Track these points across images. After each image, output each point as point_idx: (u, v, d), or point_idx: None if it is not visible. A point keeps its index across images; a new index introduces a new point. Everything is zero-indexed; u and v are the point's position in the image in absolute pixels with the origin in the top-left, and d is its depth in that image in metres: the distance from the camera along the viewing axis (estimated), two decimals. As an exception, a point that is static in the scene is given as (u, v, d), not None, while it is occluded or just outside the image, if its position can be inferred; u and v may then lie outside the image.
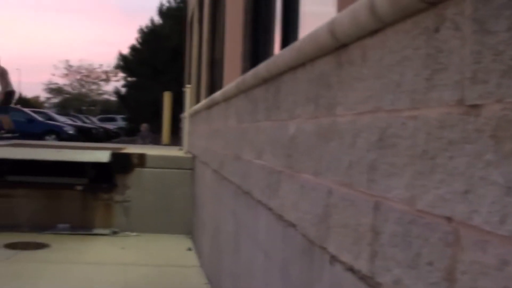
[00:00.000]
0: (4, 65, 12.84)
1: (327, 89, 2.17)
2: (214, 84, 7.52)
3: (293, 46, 2.61)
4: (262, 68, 3.25)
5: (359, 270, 1.80)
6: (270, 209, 3.11)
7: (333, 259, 2.05)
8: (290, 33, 3.77)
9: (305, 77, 2.49)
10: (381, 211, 1.64)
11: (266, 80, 3.28)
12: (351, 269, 1.88)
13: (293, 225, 2.64)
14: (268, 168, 3.16)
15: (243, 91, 4.04)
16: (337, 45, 2.02)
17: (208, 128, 6.84)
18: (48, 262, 7.43)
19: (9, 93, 13.31)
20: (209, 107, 6.66)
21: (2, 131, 12.74)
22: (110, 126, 36.13)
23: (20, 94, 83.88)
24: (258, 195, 3.46)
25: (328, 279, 2.13)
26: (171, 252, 8.29)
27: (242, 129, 4.09)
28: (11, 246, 8.33)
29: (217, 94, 5.70)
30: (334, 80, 2.10)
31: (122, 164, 9.67)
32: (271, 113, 3.15)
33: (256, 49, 4.56)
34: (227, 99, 4.94)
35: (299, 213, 2.53)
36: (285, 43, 3.55)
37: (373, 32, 1.72)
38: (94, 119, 41.45)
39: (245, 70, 4.48)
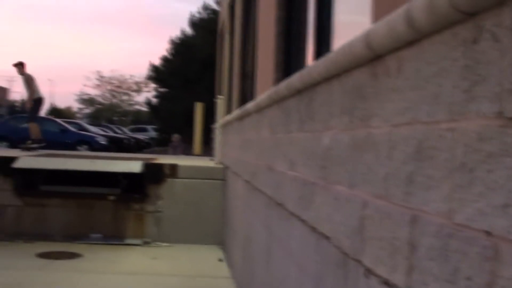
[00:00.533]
0: (35, 74, 12.93)
1: (363, 100, 2.16)
2: (246, 95, 7.54)
3: (327, 57, 2.60)
4: (296, 79, 3.25)
5: (395, 284, 1.78)
6: (303, 220, 3.10)
7: (368, 272, 2.03)
8: (323, 43, 3.76)
9: (340, 88, 2.48)
10: (418, 224, 1.62)
11: (299, 91, 3.28)
12: (386, 283, 1.86)
13: (327, 237, 2.63)
14: (301, 179, 3.15)
15: (276, 101, 4.03)
16: (373, 56, 2.01)
17: (240, 139, 6.85)
18: (81, 272, 7.50)
19: (38, 100, 13.06)
20: (241, 117, 6.67)
21: (29, 141, 12.61)
22: (141, 136, 36.38)
23: (53, 105, 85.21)
24: (290, 207, 3.45)
25: (363, 292, 2.11)
26: (202, 263, 8.30)
27: (275, 140, 4.08)
28: (45, 255, 8.44)
29: (250, 105, 5.70)
30: (370, 91, 2.09)
31: (154, 175, 9.72)
32: (304, 124, 3.14)
33: (289, 60, 4.56)
34: (259, 110, 4.94)
35: (333, 225, 2.51)
36: (318, 54, 3.55)
37: (409, 43, 1.71)
38: (126, 130, 41.81)
39: (277, 81, 4.48)
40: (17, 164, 9.83)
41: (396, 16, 1.70)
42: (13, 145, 22.07)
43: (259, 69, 5.89)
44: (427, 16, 1.49)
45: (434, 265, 1.51)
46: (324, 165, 2.66)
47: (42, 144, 13.44)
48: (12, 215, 9.92)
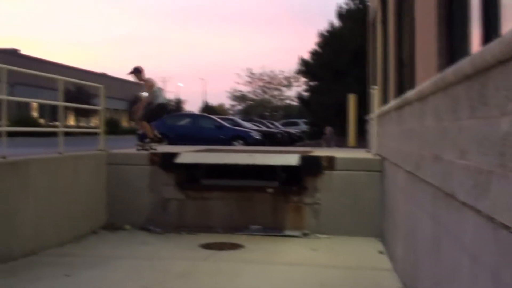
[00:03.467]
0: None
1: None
2: (403, 83, 7.37)
3: (503, 39, 2.47)
4: (466, 64, 3.12)
5: None
6: (477, 211, 2.97)
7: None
8: (490, 27, 3.58)
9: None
10: None
11: (468, 77, 3.15)
12: None
13: (506, 227, 2.50)
14: (474, 168, 3.03)
15: (441, 88, 3.90)
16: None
17: (399, 129, 6.71)
18: (244, 262, 7.73)
19: (161, 106, 12.40)
20: (399, 107, 6.53)
21: (147, 140, 12.15)
22: (292, 130, 36.72)
23: (207, 103, 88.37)
24: (462, 197, 3.33)
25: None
26: (362, 255, 8.25)
27: (441, 128, 3.95)
28: (208, 246, 8.78)
29: (410, 94, 5.57)
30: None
31: (312, 167, 9.79)
32: (476, 111, 3.01)
33: (452, 45, 4.39)
34: (422, 98, 4.80)
35: (515, 215, 2.39)
36: (486, 38, 3.38)
37: None
38: (277, 124, 42.40)
39: (441, 67, 4.32)
40: (179, 160, 10.30)
41: None
42: (171, 142, 23.19)
43: (419, 57, 5.73)
44: None
45: None
46: (503, 152, 2.53)
47: (163, 143, 13.16)
48: (176, 208, 10.44)
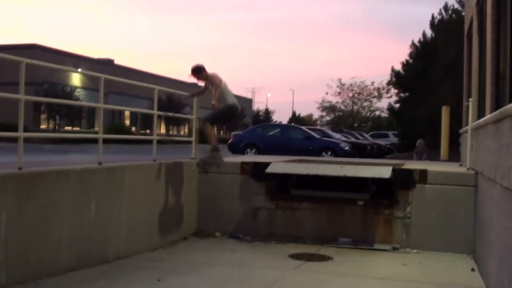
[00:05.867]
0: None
1: None
2: (501, 96, 7.16)
3: None
4: None
5: None
6: None
7: None
8: None
9: None
10: None
11: None
12: None
13: None
14: None
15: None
16: None
17: (496, 143, 6.51)
18: (333, 274, 7.70)
19: (231, 108, 10.27)
20: (498, 120, 6.34)
21: (208, 155, 10.51)
22: (382, 142, 36.25)
23: (294, 113, 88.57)
24: None
25: None
26: (454, 272, 8.05)
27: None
28: (296, 256, 8.81)
29: (510, 106, 5.41)
30: None
31: (403, 180, 9.64)
32: None
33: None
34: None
35: None
36: None
37: None
38: (367, 136, 42.00)
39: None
40: (270, 169, 10.39)
41: None
42: (260, 152, 23.39)
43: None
44: None
45: None
46: None
47: (216, 158, 10.63)
48: (265, 217, 10.53)
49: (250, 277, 7.33)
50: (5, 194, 6.19)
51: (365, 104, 75.77)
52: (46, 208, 6.79)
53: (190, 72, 10.24)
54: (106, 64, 50.01)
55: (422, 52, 35.35)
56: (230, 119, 10.96)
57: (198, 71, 10.19)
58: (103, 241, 7.91)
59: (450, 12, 35.77)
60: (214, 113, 10.23)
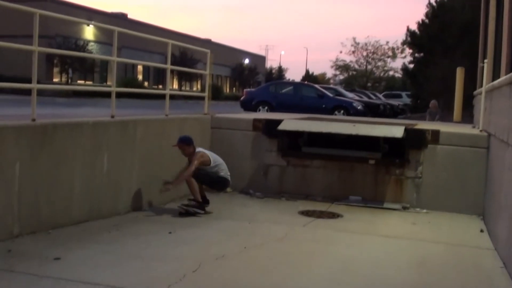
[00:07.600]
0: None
1: None
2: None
3: None
4: None
5: None
6: None
7: None
8: None
9: None
10: None
11: None
12: None
13: None
14: None
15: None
16: None
17: (511, 105, 6.47)
18: (342, 231, 7.77)
19: (220, 178, 8.67)
20: (513, 82, 6.29)
21: (192, 201, 8.48)
22: (395, 102, 36.00)
23: (308, 71, 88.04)
24: None
25: None
26: (463, 232, 8.09)
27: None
28: (306, 213, 8.88)
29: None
30: None
31: (415, 140, 9.63)
32: None
33: None
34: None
35: None
36: None
37: None
38: (380, 96, 41.73)
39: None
40: (282, 127, 10.38)
41: None
42: (272, 109, 23.32)
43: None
44: None
45: None
46: None
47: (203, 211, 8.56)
48: (277, 174, 10.58)
49: (259, 232, 7.41)
50: (19, 145, 6.24)
51: (379, 64, 75.15)
52: (59, 160, 6.86)
53: (177, 141, 8.65)
54: (120, 18, 49.56)
55: (438, 13, 34.78)
56: (215, 187, 8.98)
57: (188, 143, 8.63)
58: (115, 193, 8.00)
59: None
60: (204, 173, 8.59)
